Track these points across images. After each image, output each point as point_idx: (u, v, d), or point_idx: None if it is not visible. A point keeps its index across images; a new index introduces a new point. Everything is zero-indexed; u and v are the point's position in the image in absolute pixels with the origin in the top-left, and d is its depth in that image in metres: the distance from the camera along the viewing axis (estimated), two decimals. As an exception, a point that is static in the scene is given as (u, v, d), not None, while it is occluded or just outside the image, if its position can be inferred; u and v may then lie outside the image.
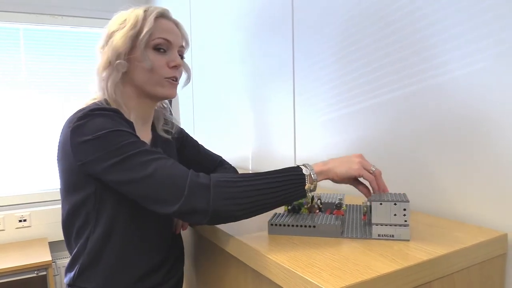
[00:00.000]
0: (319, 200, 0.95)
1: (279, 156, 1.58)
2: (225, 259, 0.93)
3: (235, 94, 1.89)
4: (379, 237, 0.78)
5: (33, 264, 2.36)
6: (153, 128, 1.09)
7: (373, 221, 0.78)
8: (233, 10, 1.86)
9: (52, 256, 2.47)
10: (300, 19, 1.41)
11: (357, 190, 0.88)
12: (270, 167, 1.63)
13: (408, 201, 0.77)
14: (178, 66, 0.99)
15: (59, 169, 0.92)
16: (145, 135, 1.04)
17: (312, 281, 0.61)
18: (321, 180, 0.84)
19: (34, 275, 2.38)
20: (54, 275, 2.46)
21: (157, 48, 0.96)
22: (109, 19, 0.98)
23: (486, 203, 0.88)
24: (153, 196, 0.80)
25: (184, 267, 1.13)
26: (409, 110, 1.04)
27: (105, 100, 0.95)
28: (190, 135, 1.28)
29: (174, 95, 1.02)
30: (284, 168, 0.84)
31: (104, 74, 0.95)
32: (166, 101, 1.15)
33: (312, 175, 0.82)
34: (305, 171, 0.82)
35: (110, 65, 0.94)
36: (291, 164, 1.50)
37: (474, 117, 0.89)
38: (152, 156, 0.82)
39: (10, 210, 2.78)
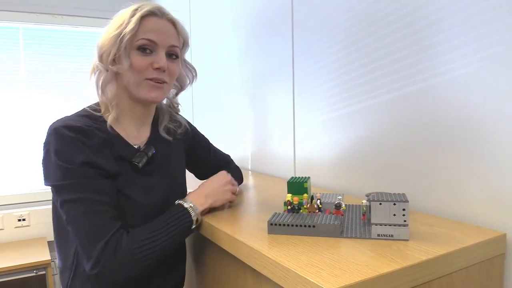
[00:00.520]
0: (318, 200, 0.95)
1: (279, 155, 1.58)
2: (225, 258, 0.93)
3: (235, 93, 1.90)
4: (378, 237, 0.79)
5: (32, 264, 2.36)
6: (157, 126, 1.08)
7: (372, 221, 0.79)
8: (233, 10, 1.86)
9: (51, 255, 2.47)
10: (299, 19, 1.41)
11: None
12: (270, 167, 1.64)
13: (407, 201, 0.77)
14: (162, 68, 0.94)
15: None
16: (141, 135, 1.03)
17: (312, 281, 0.61)
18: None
19: (33, 274, 2.38)
20: (53, 275, 2.46)
21: (142, 49, 0.93)
22: (109, 18, 0.97)
23: (485, 203, 0.88)
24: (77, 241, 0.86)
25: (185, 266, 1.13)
26: (408, 110, 1.04)
27: (97, 103, 0.98)
28: (202, 134, 1.27)
29: (156, 98, 0.97)
30: (169, 212, 0.93)
31: (93, 76, 0.96)
32: (178, 99, 1.14)
33: (195, 211, 0.94)
34: (191, 212, 0.93)
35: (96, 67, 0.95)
36: (290, 163, 1.51)
37: (472, 118, 0.89)
38: (81, 209, 0.84)
39: (9, 209, 2.78)
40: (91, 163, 0.86)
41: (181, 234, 0.92)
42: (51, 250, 2.58)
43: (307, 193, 0.96)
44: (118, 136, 0.96)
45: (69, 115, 0.95)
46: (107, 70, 0.93)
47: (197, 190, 1.02)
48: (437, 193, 0.98)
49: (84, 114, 0.95)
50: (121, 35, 0.91)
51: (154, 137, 1.06)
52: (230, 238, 0.86)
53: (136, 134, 1.02)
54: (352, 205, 1.04)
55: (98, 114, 0.95)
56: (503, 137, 0.84)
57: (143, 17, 0.93)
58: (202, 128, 1.26)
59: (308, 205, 0.93)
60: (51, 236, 2.79)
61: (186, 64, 1.08)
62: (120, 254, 0.82)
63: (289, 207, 0.93)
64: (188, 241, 1.16)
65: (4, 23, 2.79)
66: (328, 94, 1.30)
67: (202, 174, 1.30)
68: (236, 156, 1.51)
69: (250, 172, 1.74)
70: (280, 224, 0.84)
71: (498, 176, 0.85)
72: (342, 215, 0.90)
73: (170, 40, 0.96)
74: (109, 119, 0.94)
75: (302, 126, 1.44)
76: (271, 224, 0.84)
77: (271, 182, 1.46)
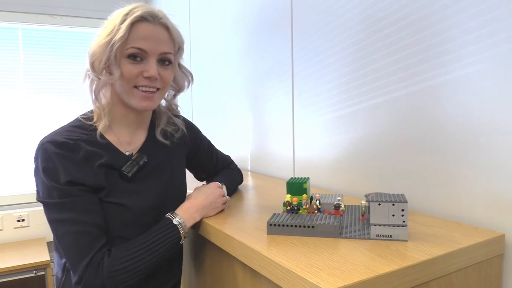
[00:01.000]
0: (317, 201, 0.95)
1: (278, 156, 1.58)
2: (224, 258, 0.94)
3: (234, 94, 1.90)
4: (377, 237, 0.79)
5: (32, 264, 2.36)
6: (153, 129, 1.07)
7: (371, 221, 0.79)
8: (232, 10, 1.86)
9: (50, 256, 2.47)
10: (299, 20, 1.41)
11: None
12: (269, 168, 1.64)
13: (406, 202, 0.77)
14: (152, 78, 0.93)
15: None
16: (134, 141, 1.02)
17: (311, 281, 0.61)
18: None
19: (33, 275, 2.38)
20: (52, 275, 2.45)
21: (133, 57, 0.91)
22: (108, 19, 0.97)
23: (484, 204, 0.88)
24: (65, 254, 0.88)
25: (183, 267, 1.13)
26: (407, 111, 1.04)
27: (91, 111, 0.98)
28: (204, 137, 1.26)
29: (147, 107, 0.96)
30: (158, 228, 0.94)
31: (87, 79, 0.96)
32: (177, 101, 1.13)
33: (184, 228, 0.95)
34: (179, 229, 0.94)
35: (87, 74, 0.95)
36: (290, 164, 1.51)
37: (471, 119, 0.90)
38: (65, 230, 0.86)
39: (8, 210, 2.78)
40: (75, 180, 0.87)
41: (168, 251, 0.92)
42: (50, 251, 2.58)
43: (306, 193, 0.96)
44: (108, 145, 0.96)
45: (61, 126, 0.96)
46: (99, 79, 0.93)
47: (189, 202, 1.01)
48: (436, 194, 0.98)
49: (75, 125, 0.96)
50: (111, 43, 0.89)
51: (150, 142, 1.05)
52: (229, 238, 0.86)
53: (129, 140, 1.01)
54: (351, 205, 1.04)
55: (90, 123, 0.95)
56: (502, 138, 0.84)
57: (133, 23, 0.90)
58: (202, 129, 1.26)
59: (307, 206, 0.93)
60: (50, 237, 2.79)
61: (181, 69, 1.06)
62: (102, 276, 0.84)
63: (288, 208, 0.93)
64: (187, 241, 1.17)
65: (3, 23, 2.79)
66: (327, 95, 1.30)
67: (202, 176, 1.31)
68: (236, 156, 1.51)
69: (249, 172, 1.74)
70: (279, 225, 0.84)
71: (497, 177, 0.86)
72: (341, 215, 0.90)
73: (161, 47, 0.93)
74: (100, 127, 0.94)
75: (301, 126, 1.45)
76: (270, 225, 0.84)
77: (271, 183, 1.46)
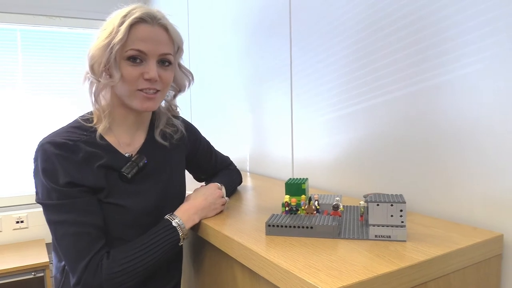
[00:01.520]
0: (316, 201, 0.95)
1: (277, 157, 1.59)
2: (223, 260, 0.93)
3: (233, 95, 1.90)
4: (376, 238, 0.79)
5: (30, 266, 2.35)
6: (153, 130, 1.07)
7: (370, 222, 0.79)
8: (231, 11, 1.87)
9: (49, 257, 2.47)
10: (298, 20, 1.42)
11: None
12: (268, 168, 1.64)
13: (405, 202, 0.77)
14: (152, 79, 0.92)
15: None
16: (134, 142, 1.02)
17: (309, 282, 0.61)
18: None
19: (32, 276, 2.38)
20: (51, 276, 2.45)
21: (132, 59, 0.91)
22: (106, 20, 0.96)
23: (482, 204, 0.88)
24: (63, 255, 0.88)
25: (182, 268, 1.13)
26: (406, 112, 1.04)
27: (90, 112, 0.98)
28: (203, 138, 1.25)
29: (148, 108, 0.95)
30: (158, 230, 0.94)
31: (86, 81, 0.95)
32: (176, 101, 1.13)
33: (183, 229, 0.95)
34: (179, 231, 0.94)
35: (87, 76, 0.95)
36: (288, 165, 1.51)
37: (470, 119, 0.90)
38: (64, 231, 0.86)
39: (7, 211, 2.77)
40: (75, 181, 0.87)
41: (167, 252, 0.92)
42: (49, 252, 2.58)
43: (305, 194, 0.96)
44: (108, 146, 0.96)
45: (60, 127, 0.96)
46: (99, 81, 0.93)
47: (188, 204, 1.01)
48: (434, 194, 0.99)
49: (75, 126, 0.96)
50: (110, 46, 0.89)
51: (149, 143, 1.05)
52: (228, 239, 0.86)
53: (129, 141, 1.01)
54: (350, 206, 1.04)
55: (89, 124, 0.96)
56: (501, 138, 0.84)
57: (132, 25, 0.90)
58: (200, 130, 1.26)
59: (306, 206, 0.93)
60: (49, 238, 2.76)
61: (181, 69, 1.06)
62: (101, 277, 0.84)
63: (287, 209, 0.93)
64: (186, 242, 1.16)
65: (2, 24, 2.79)
66: (326, 95, 1.31)
67: (202, 177, 1.31)
68: (235, 157, 1.51)
69: (248, 173, 1.74)
70: (278, 226, 0.84)
71: (495, 177, 0.86)
72: (340, 216, 0.90)
73: (161, 48, 0.93)
74: (100, 129, 0.94)
75: (300, 127, 1.45)
76: (269, 226, 0.85)
77: (270, 184, 1.46)
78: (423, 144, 1.01)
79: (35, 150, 0.91)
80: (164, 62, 0.96)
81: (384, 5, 1.08)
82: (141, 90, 0.93)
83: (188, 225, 0.96)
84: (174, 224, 0.94)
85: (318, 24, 1.32)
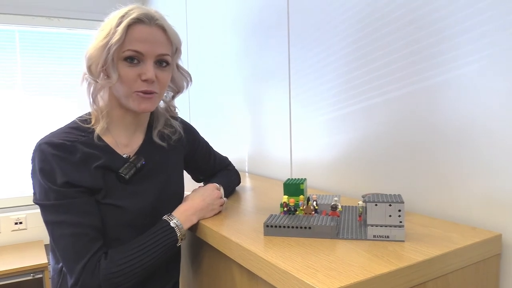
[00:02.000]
0: (314, 202, 0.95)
1: (275, 157, 1.58)
2: (221, 260, 0.93)
3: (232, 96, 1.90)
4: (374, 238, 0.79)
5: (29, 267, 2.35)
6: (151, 132, 1.07)
7: (368, 222, 0.79)
8: (229, 11, 1.87)
9: (48, 258, 2.46)
10: (296, 21, 1.42)
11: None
12: (267, 169, 1.64)
13: (403, 202, 0.77)
14: (150, 80, 0.92)
15: None
16: (132, 143, 1.02)
17: (307, 282, 0.61)
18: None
19: (30, 277, 2.37)
20: (50, 278, 2.44)
21: (130, 59, 0.90)
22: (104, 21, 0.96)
23: (481, 204, 0.88)
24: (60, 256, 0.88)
25: (180, 269, 1.13)
26: (404, 112, 1.04)
27: (88, 113, 0.98)
28: (202, 139, 1.25)
29: (146, 109, 0.95)
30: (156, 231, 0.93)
31: (84, 82, 0.95)
32: (175, 102, 1.13)
33: (181, 230, 0.95)
34: (176, 231, 0.94)
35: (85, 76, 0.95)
36: (287, 164, 1.51)
37: (468, 119, 0.90)
38: (61, 232, 0.86)
39: (6, 212, 2.77)
40: (72, 182, 0.87)
41: (165, 253, 0.92)
42: (48, 254, 2.57)
43: (303, 194, 0.96)
44: (105, 147, 0.96)
45: (58, 128, 0.95)
46: (97, 82, 0.92)
47: (186, 204, 1.01)
48: (433, 194, 0.99)
49: (72, 126, 0.95)
50: (108, 46, 0.88)
51: (147, 144, 1.04)
52: (226, 240, 0.86)
53: (126, 142, 1.01)
54: (348, 206, 1.04)
55: (87, 125, 0.95)
56: (499, 138, 0.84)
57: (129, 26, 0.89)
58: (199, 130, 1.26)
59: (304, 207, 0.93)
60: (48, 239, 2.77)
61: (180, 70, 1.06)
62: (99, 278, 0.84)
63: (285, 209, 0.93)
64: (184, 243, 1.16)
65: (0, 25, 2.79)
66: (324, 96, 1.31)
67: (200, 178, 1.31)
68: (233, 158, 1.51)
69: (247, 174, 1.74)
70: (276, 226, 0.84)
71: (494, 177, 0.86)
72: (338, 216, 0.90)
73: (158, 49, 0.93)
74: (98, 129, 0.94)
75: (298, 128, 1.45)
76: (267, 226, 0.84)
77: (268, 184, 1.46)
78: (421, 144, 1.01)
79: (33, 150, 0.90)
80: (161, 63, 0.95)
81: (382, 5, 1.08)
82: (138, 92, 0.92)
83: (186, 225, 0.96)
84: (172, 224, 0.93)
85: (316, 24, 1.32)
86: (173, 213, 0.97)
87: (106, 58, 0.89)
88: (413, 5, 0.99)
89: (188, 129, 1.19)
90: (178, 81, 1.06)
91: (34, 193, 0.90)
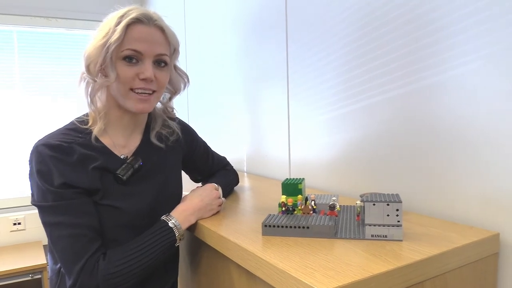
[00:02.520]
0: (313, 201, 0.95)
1: (274, 157, 1.58)
2: (220, 260, 0.93)
3: (230, 96, 1.90)
4: (372, 238, 0.79)
5: (28, 267, 2.35)
6: (148, 133, 1.07)
7: (366, 221, 0.79)
8: (228, 11, 1.87)
9: (46, 259, 2.46)
10: (294, 20, 1.42)
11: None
12: (265, 169, 1.64)
13: (401, 202, 0.77)
14: (148, 79, 0.92)
15: None
16: (129, 144, 1.02)
17: (305, 282, 0.61)
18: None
19: (29, 278, 2.37)
20: (48, 278, 2.44)
21: (128, 59, 0.91)
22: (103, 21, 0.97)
23: (479, 203, 0.89)
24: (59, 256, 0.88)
25: (179, 269, 1.13)
26: (402, 112, 1.04)
27: (86, 114, 0.98)
28: (200, 139, 1.25)
29: (143, 110, 0.95)
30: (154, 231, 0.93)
31: (82, 82, 0.95)
32: (172, 103, 1.12)
33: (179, 230, 0.95)
34: (175, 231, 0.94)
35: (83, 76, 0.95)
36: (285, 164, 1.51)
37: (467, 118, 0.90)
38: (59, 233, 0.86)
39: (4, 213, 2.77)
40: (69, 183, 0.87)
41: (163, 253, 0.92)
42: (46, 254, 2.57)
43: (301, 194, 0.96)
44: (103, 148, 0.96)
45: (56, 129, 0.95)
46: (95, 81, 0.93)
47: (185, 204, 1.01)
48: (431, 194, 0.99)
49: (70, 128, 0.96)
50: (107, 45, 0.89)
51: (145, 145, 1.04)
52: (224, 239, 0.86)
53: (124, 143, 1.01)
54: (346, 206, 1.04)
55: (85, 126, 0.95)
56: (497, 137, 0.84)
57: (129, 25, 0.90)
58: (197, 130, 1.26)
59: (302, 206, 0.93)
60: (46, 240, 2.78)
61: (177, 71, 1.06)
62: (97, 279, 0.84)
63: (283, 209, 0.93)
64: (182, 243, 1.16)
65: (-2, 26, 2.79)
66: (322, 95, 1.31)
67: (198, 178, 1.31)
68: (232, 158, 1.51)
69: (245, 174, 1.74)
70: (274, 226, 0.84)
71: (491, 177, 0.86)
72: (336, 216, 0.90)
73: (157, 48, 0.93)
74: (95, 130, 0.94)
75: (296, 127, 1.45)
76: (266, 226, 0.84)
77: (267, 184, 1.46)
78: (419, 144, 1.01)
79: (30, 152, 0.90)
80: (160, 62, 0.96)
81: (381, 5, 1.08)
82: (134, 90, 0.93)
83: (185, 225, 0.96)
84: (170, 225, 0.93)
85: (315, 23, 1.32)
86: (171, 213, 0.97)
87: (105, 57, 0.89)
88: (412, 4, 0.99)
89: (186, 129, 1.19)
90: (176, 82, 1.07)
91: (32, 195, 0.90)
